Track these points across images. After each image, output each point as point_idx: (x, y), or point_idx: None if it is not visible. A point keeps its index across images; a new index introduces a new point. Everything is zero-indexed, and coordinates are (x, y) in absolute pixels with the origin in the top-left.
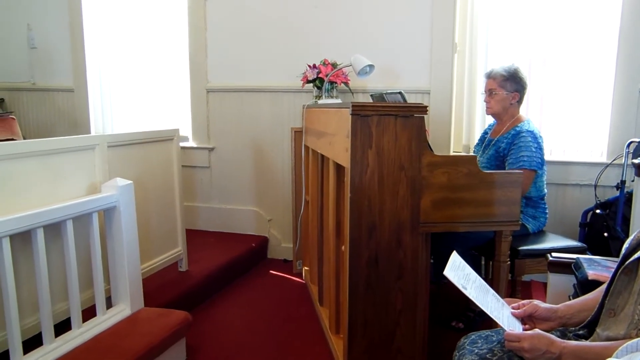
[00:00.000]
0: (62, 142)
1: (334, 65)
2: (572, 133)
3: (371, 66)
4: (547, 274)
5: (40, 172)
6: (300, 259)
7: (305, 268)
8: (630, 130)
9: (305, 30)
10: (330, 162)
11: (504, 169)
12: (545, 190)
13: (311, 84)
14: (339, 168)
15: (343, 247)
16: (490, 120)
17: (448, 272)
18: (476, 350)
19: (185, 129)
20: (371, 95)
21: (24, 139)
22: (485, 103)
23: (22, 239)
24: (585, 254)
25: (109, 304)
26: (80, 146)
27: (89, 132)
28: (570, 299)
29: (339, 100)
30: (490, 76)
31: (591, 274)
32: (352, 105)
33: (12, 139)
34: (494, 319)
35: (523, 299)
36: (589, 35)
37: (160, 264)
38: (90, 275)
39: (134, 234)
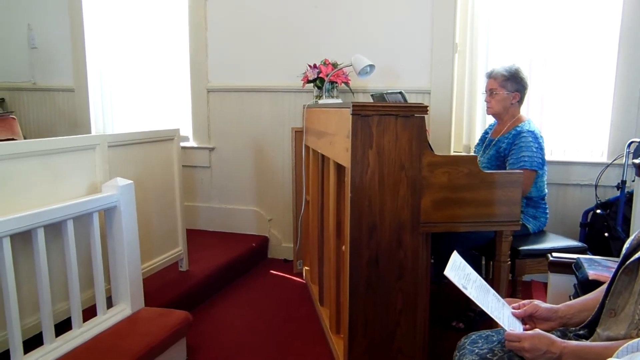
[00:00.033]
0: (62, 142)
1: (334, 65)
2: (573, 133)
3: (372, 66)
4: (548, 274)
5: (40, 172)
6: (301, 258)
7: (306, 268)
8: (630, 130)
9: (306, 30)
10: (331, 162)
11: (505, 169)
12: (546, 190)
13: (312, 84)
14: (340, 168)
15: (343, 247)
16: (490, 120)
17: (448, 272)
18: (477, 350)
19: (186, 129)
20: (372, 95)
21: (25, 138)
22: (486, 103)
23: (22, 239)
24: (586, 254)
25: (110, 304)
26: (81, 146)
27: (90, 132)
28: (570, 299)
29: (339, 100)
30: (491, 76)
31: (592, 274)
32: (353, 105)
33: (13, 139)
34: (495, 319)
35: (523, 299)
36: (589, 35)
37: (160, 263)
38: (91, 275)
39: (134, 234)
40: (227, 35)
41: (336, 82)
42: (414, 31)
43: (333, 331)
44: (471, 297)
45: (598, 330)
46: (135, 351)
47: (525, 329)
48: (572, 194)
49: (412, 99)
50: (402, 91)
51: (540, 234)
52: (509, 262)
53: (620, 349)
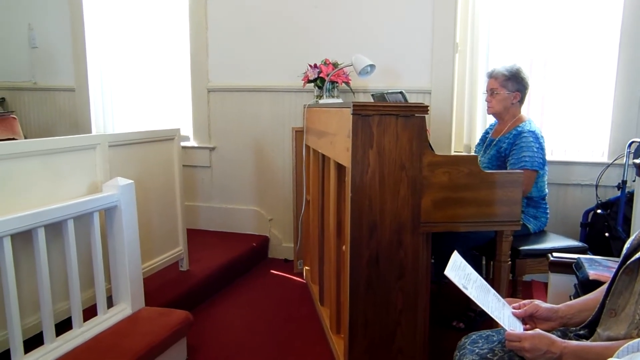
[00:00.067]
0: (63, 141)
1: (335, 65)
2: (573, 133)
3: (372, 66)
4: (548, 274)
5: (41, 172)
6: (301, 258)
7: (306, 268)
8: (631, 130)
9: (307, 30)
10: (331, 162)
11: (506, 169)
12: (547, 190)
13: (312, 84)
14: (340, 168)
15: (344, 247)
16: (491, 120)
17: (449, 271)
18: (477, 350)
19: (186, 129)
20: (372, 95)
21: (25, 138)
22: (486, 102)
23: (23, 239)
24: (586, 254)
25: (110, 304)
26: (81, 146)
27: (90, 132)
28: (571, 299)
29: (340, 100)
30: (492, 76)
31: (592, 274)
32: (353, 105)
33: (13, 139)
34: (495, 318)
35: (524, 298)
36: (590, 36)
37: (161, 263)
38: (91, 275)
39: (134, 234)
40: (227, 35)
41: (337, 82)
42: (414, 31)
43: (333, 331)
44: (471, 297)
45: (598, 330)
46: (135, 351)
47: (525, 329)
48: (573, 194)
49: (412, 99)
50: (403, 91)
51: (540, 234)
52: (510, 262)
53: (621, 349)
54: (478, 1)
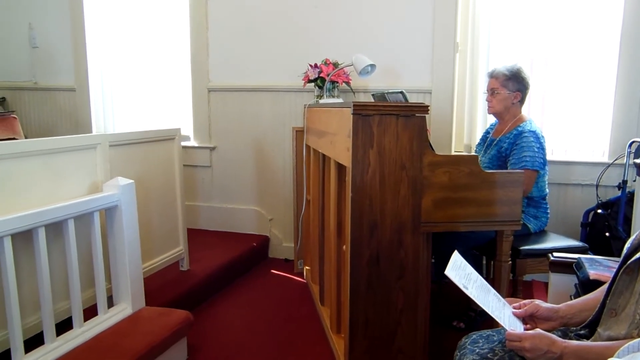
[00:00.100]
0: (63, 141)
1: (335, 65)
2: (574, 133)
3: (372, 66)
4: (549, 274)
5: (41, 172)
6: (302, 258)
7: (307, 267)
8: (632, 130)
9: (307, 30)
10: (332, 162)
11: (506, 169)
12: (547, 190)
13: (312, 84)
14: (340, 167)
15: (344, 247)
16: (491, 119)
17: (449, 271)
18: (477, 350)
19: (187, 129)
20: (373, 95)
21: (26, 138)
22: (487, 102)
23: (23, 238)
24: (587, 253)
25: (110, 303)
26: (82, 145)
27: (91, 132)
28: (571, 299)
29: (340, 100)
30: (492, 75)
31: (592, 273)
32: (354, 105)
33: (14, 139)
34: (495, 318)
35: (524, 298)
36: (590, 35)
37: (161, 263)
38: (92, 275)
39: (135, 233)
40: (228, 35)
41: (337, 82)
42: (415, 31)
43: (334, 331)
44: (472, 296)
45: (599, 330)
46: (136, 351)
47: (526, 329)
48: (573, 194)
49: (413, 99)
50: (403, 91)
51: (541, 234)
52: (510, 262)
53: (621, 348)
54: (478, 1)
